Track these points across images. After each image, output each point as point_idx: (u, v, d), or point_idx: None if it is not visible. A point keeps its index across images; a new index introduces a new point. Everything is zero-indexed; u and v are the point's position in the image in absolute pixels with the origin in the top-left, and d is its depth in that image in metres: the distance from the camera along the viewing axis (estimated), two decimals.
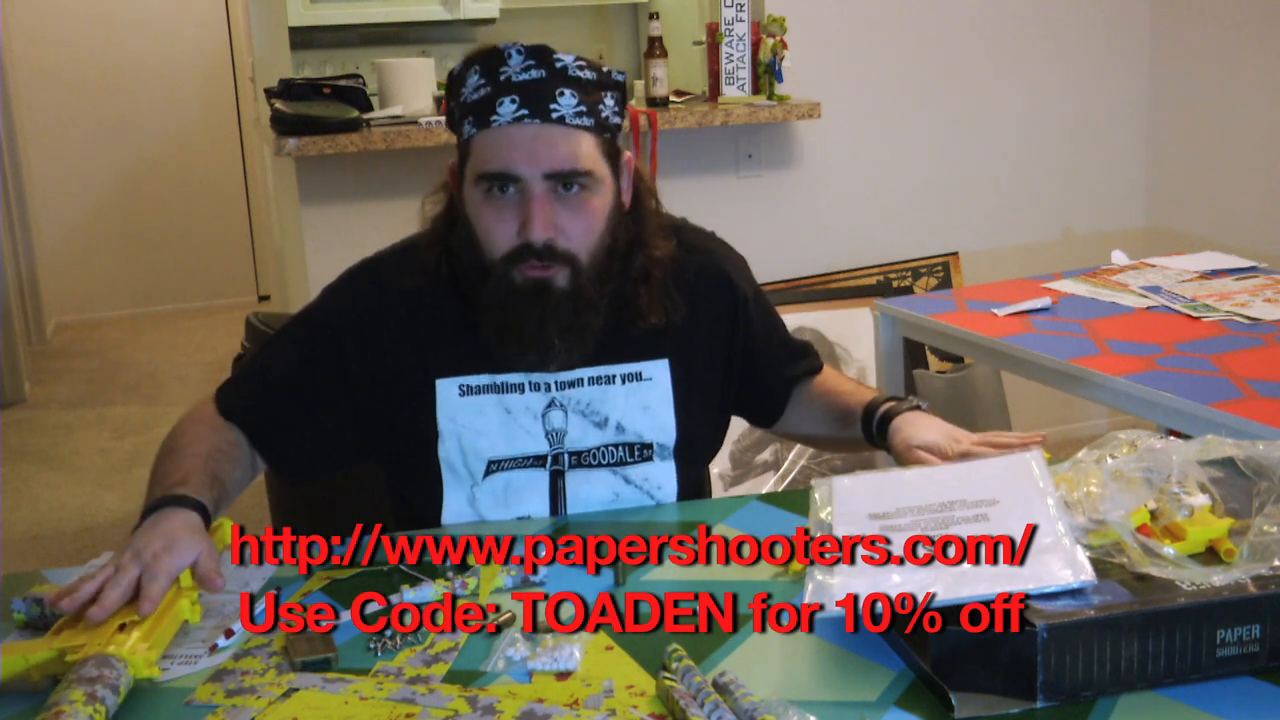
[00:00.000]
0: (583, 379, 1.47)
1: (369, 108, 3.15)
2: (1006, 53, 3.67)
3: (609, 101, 1.42)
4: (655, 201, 1.52)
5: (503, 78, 1.37)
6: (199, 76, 6.47)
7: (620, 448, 1.48)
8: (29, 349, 5.62)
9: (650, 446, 1.49)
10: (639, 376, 1.48)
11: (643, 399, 1.49)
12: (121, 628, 1.10)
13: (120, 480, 4.12)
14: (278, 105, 3.02)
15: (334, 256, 1.59)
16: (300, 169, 3.09)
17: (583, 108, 1.38)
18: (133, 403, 5.01)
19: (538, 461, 1.47)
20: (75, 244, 6.41)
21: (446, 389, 1.46)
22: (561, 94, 1.37)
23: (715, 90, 3.30)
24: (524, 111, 1.36)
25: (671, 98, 3.30)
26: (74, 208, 6.39)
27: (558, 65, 1.38)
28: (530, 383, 1.46)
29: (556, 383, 1.47)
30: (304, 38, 4.79)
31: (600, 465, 1.48)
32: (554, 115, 1.36)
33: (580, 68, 1.40)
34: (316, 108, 3.01)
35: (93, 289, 6.48)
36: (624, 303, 1.46)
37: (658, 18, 3.31)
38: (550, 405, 1.47)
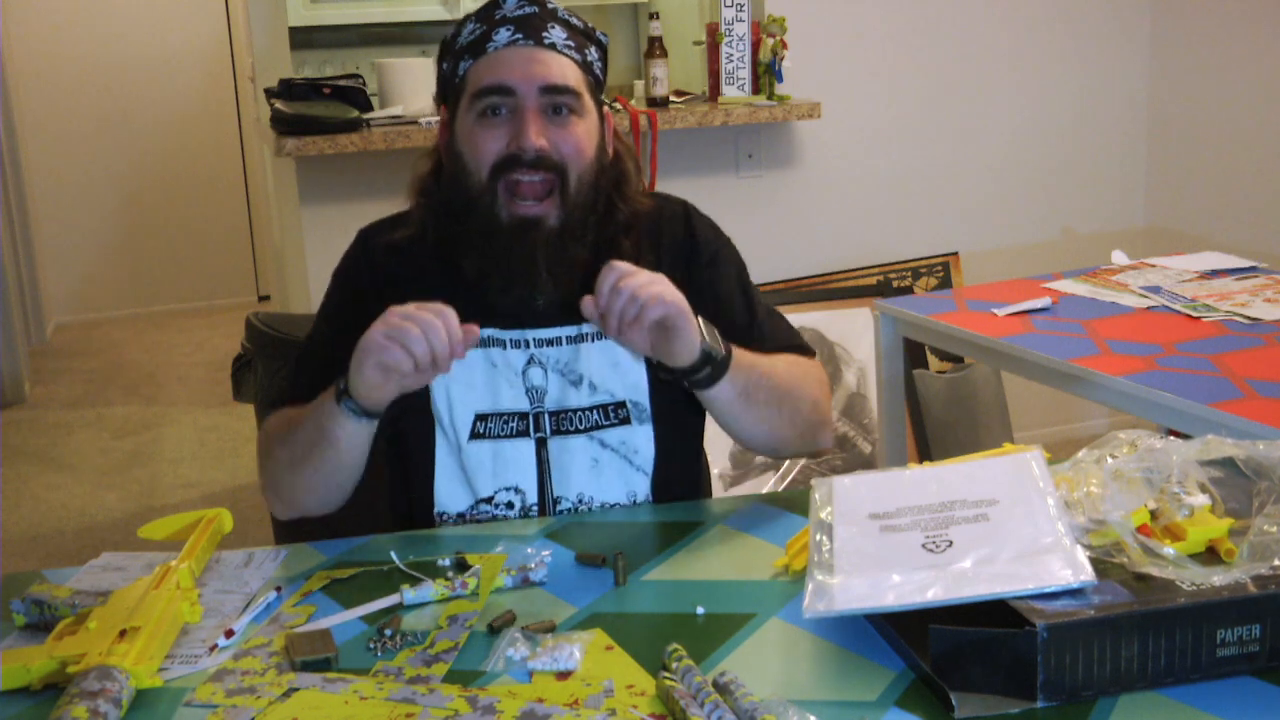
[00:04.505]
0: (560, 338, 1.50)
1: (369, 108, 3.16)
2: (1007, 52, 3.67)
3: (594, 53, 1.52)
4: (635, 165, 1.58)
5: (498, 16, 1.47)
6: (199, 76, 6.47)
7: (596, 410, 1.50)
8: (29, 349, 5.62)
9: (624, 406, 1.50)
10: None
11: (612, 356, 1.50)
12: (122, 634, 1.09)
13: (120, 480, 4.12)
14: (278, 105, 3.03)
15: (334, 256, 1.63)
16: (300, 169, 3.09)
17: (572, 43, 1.48)
18: (133, 403, 5.01)
19: (520, 421, 1.49)
20: (75, 244, 6.41)
21: None
22: (553, 27, 1.48)
23: (715, 90, 3.30)
24: (519, 36, 1.46)
25: (671, 98, 3.30)
26: (74, 207, 6.39)
27: (549, 6, 1.50)
28: (511, 340, 1.50)
29: (535, 340, 1.50)
30: (304, 38, 4.80)
31: (578, 431, 1.50)
32: (546, 41, 1.46)
33: (569, 16, 1.50)
34: (316, 108, 3.01)
35: (93, 289, 6.48)
36: (605, 255, 1.45)
37: (658, 18, 3.31)
38: (530, 362, 1.50)
